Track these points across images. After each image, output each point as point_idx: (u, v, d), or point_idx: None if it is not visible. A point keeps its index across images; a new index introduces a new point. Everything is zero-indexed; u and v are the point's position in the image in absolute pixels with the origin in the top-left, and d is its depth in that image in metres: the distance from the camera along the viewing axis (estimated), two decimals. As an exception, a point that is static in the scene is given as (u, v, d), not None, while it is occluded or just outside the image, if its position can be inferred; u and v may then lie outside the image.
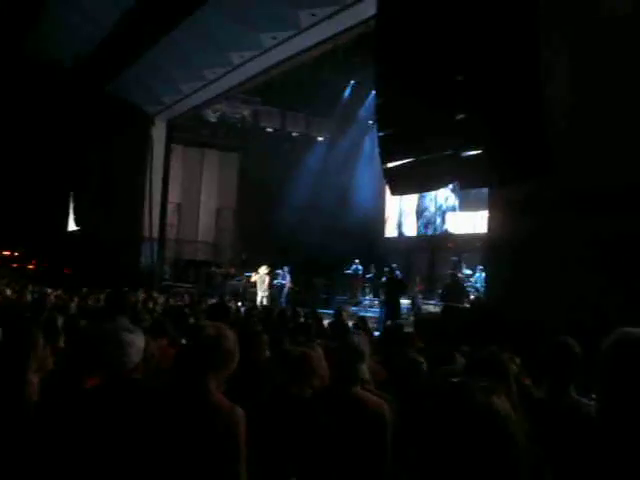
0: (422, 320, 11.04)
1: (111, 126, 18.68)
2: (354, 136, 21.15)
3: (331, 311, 11.72)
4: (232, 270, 19.90)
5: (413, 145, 8.52)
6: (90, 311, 7.95)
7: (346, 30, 12.25)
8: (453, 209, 19.23)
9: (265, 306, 13.27)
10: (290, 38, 12.96)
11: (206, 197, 23.98)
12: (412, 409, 2.55)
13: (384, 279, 14.21)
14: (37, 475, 2.40)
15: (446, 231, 19.54)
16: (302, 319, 8.22)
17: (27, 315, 5.92)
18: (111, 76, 17.15)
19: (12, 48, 16.47)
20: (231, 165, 24.18)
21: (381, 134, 8.86)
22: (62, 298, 9.87)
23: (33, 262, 21.10)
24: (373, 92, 12.28)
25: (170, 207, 21.39)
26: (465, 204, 18.17)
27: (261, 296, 16.56)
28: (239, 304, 14.10)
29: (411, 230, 21.04)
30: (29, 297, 9.87)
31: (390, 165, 8.78)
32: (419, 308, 15.11)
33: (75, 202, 21.16)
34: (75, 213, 21.13)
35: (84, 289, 11.82)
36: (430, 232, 20.29)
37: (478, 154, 7.60)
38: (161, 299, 11.50)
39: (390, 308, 13.20)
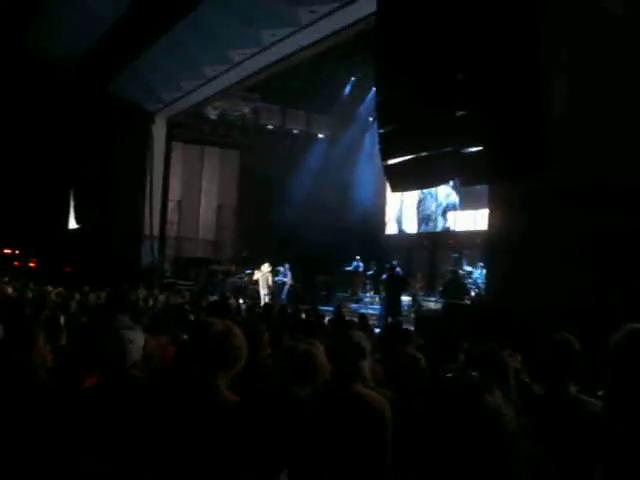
0: (423, 317, 11.05)
1: (111, 124, 18.66)
2: (355, 133, 21.12)
3: (332, 308, 11.73)
4: (233, 268, 19.91)
5: (413, 142, 8.51)
6: (91, 309, 7.98)
7: (346, 27, 12.22)
8: (454, 206, 19.21)
9: (266, 303, 13.29)
10: (290, 35, 12.94)
11: (206, 195, 23.97)
12: (410, 406, 2.55)
13: (385, 276, 14.19)
14: (38, 474, 2.41)
15: (447, 228, 19.53)
16: (303, 316, 8.24)
17: (28, 313, 5.93)
18: (111, 74, 17.14)
19: (11, 46, 16.46)
20: (231, 162, 24.16)
21: (381, 131, 8.86)
22: (63, 296, 9.88)
23: (34, 260, 21.11)
24: (373, 89, 12.27)
25: (171, 205, 21.40)
26: (467, 201, 18.15)
27: (263, 294, 16.58)
28: (240, 301, 14.12)
29: (412, 227, 21.03)
30: (30, 295, 9.88)
31: (390, 162, 8.77)
32: (420, 305, 15.12)
33: (75, 200, 21.15)
34: (76, 211, 21.13)
35: (86, 287, 11.82)
36: (431, 229, 20.28)
37: (478, 151, 7.60)
38: (162, 297, 11.51)
39: (391, 305, 13.21)
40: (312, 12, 11.86)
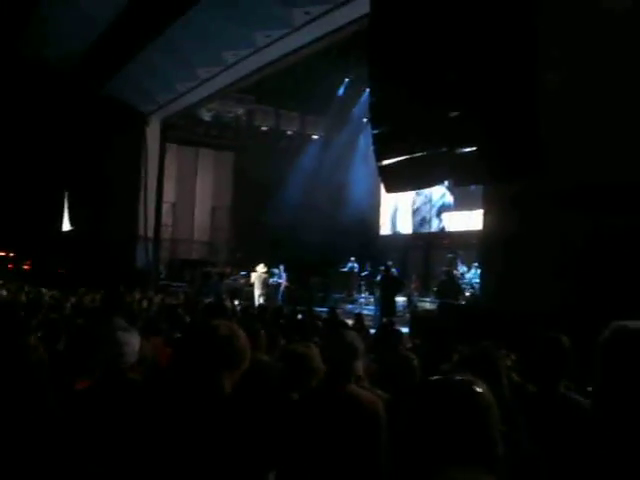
0: (418, 317, 11.07)
1: (105, 125, 18.62)
2: (349, 134, 21.14)
3: (327, 309, 11.73)
4: (228, 269, 19.89)
5: (408, 142, 8.54)
6: (86, 311, 7.96)
7: (340, 28, 12.26)
8: (449, 207, 19.25)
9: (260, 304, 13.29)
10: (284, 36, 12.97)
11: (201, 196, 23.95)
12: (403, 406, 2.57)
13: (380, 277, 14.22)
14: (38, 474, 2.41)
15: (442, 229, 19.57)
16: (299, 316, 8.26)
17: (22, 315, 5.92)
18: (105, 76, 17.12)
19: (5, 48, 16.41)
20: (226, 164, 24.15)
21: (375, 132, 8.88)
22: (57, 298, 9.85)
23: (28, 262, 21.03)
24: (367, 90, 12.29)
25: (165, 206, 21.37)
26: (461, 202, 18.19)
27: (258, 295, 16.57)
28: (235, 303, 14.10)
29: (407, 228, 21.06)
30: (24, 298, 9.84)
31: (385, 163, 8.80)
32: (415, 306, 15.13)
33: (70, 202, 21.09)
34: (70, 213, 21.07)
35: (81, 289, 11.80)
36: (426, 229, 20.31)
37: (472, 151, 7.63)
38: (157, 299, 11.49)
39: (386, 306, 13.22)
40: (306, 13, 11.89)
